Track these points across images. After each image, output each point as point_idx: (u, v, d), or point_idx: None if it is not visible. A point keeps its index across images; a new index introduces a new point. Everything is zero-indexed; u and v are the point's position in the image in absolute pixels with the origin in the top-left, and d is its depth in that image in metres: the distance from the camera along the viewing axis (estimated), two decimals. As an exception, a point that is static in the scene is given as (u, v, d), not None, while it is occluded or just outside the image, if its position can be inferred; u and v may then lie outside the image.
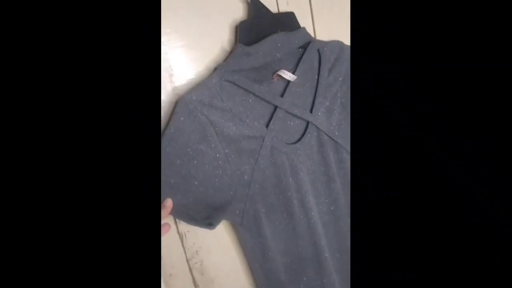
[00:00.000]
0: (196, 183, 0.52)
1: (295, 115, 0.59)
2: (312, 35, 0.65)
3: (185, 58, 0.56)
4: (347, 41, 0.64)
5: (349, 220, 0.64)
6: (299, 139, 0.59)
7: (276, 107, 0.58)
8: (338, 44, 0.62)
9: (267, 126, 0.57)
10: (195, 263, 0.61)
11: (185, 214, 0.53)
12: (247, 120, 0.55)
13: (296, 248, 0.60)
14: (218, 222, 0.54)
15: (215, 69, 0.55)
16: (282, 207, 0.59)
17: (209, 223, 0.53)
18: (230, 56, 0.55)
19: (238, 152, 0.55)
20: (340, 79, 0.61)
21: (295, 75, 0.58)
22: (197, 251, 0.61)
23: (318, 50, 0.60)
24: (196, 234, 0.61)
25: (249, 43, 0.55)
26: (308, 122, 0.60)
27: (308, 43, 0.60)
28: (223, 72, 0.54)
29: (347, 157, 0.62)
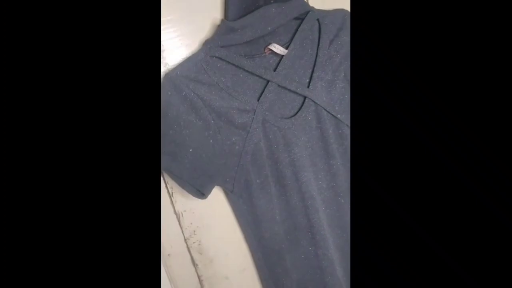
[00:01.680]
0: (190, 150, 0.54)
1: (289, 90, 0.58)
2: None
3: (175, 33, 0.56)
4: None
5: (349, 196, 0.63)
6: (295, 114, 0.58)
7: (268, 81, 0.57)
8: (341, 13, 0.58)
9: (258, 100, 0.57)
10: (193, 242, 0.62)
11: (181, 180, 0.55)
12: (237, 94, 0.56)
13: (290, 219, 0.61)
14: (209, 192, 0.57)
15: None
16: (275, 179, 0.59)
17: (202, 193, 0.56)
18: (215, 32, 0.55)
19: (228, 124, 0.55)
20: (343, 51, 0.57)
21: (290, 48, 0.56)
22: (194, 231, 0.62)
23: (318, 20, 0.57)
24: (193, 213, 0.61)
25: (239, 16, 0.54)
26: (305, 97, 0.58)
27: (306, 13, 0.57)
28: (209, 48, 0.54)
29: (347, 132, 0.60)
